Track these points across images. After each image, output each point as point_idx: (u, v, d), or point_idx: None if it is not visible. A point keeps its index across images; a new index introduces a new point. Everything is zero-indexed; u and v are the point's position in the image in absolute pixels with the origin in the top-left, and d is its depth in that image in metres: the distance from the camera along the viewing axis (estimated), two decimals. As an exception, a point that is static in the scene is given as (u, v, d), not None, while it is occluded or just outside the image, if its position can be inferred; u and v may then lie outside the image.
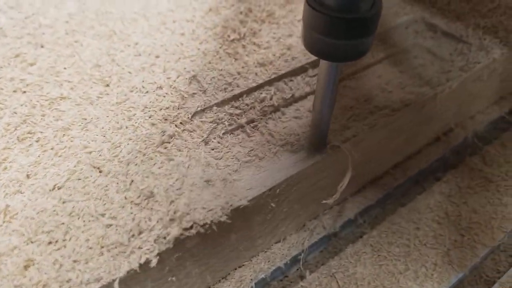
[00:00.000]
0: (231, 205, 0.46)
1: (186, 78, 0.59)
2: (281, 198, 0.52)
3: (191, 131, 0.55)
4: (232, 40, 0.67)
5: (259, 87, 0.61)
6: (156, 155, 0.48)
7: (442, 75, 0.66)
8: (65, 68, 0.62)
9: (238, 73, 0.61)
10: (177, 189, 0.45)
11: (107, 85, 0.58)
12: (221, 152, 0.55)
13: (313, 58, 0.65)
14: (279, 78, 0.63)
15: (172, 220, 0.43)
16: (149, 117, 0.53)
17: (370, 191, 0.66)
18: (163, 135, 0.50)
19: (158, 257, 0.41)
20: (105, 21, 0.71)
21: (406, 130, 0.63)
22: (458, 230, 0.62)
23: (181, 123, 0.55)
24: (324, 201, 0.54)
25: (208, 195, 0.46)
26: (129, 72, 0.60)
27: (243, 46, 0.66)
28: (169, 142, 0.50)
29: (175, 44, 0.66)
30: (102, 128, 0.52)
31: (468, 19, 0.72)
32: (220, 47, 0.65)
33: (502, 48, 0.68)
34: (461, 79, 0.63)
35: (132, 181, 0.45)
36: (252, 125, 0.59)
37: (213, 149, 0.55)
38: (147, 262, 0.40)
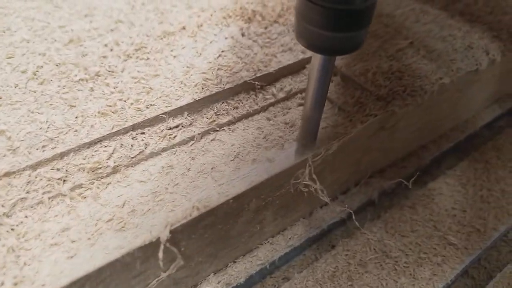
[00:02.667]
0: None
1: (-7, 136, 0.47)
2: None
3: (-15, 204, 0.43)
4: (78, 81, 0.55)
5: (94, 143, 0.49)
6: None
7: (333, 129, 0.55)
8: None
9: (68, 126, 0.49)
10: None
11: None
12: (23, 231, 0.43)
13: (174, 106, 0.54)
14: (125, 131, 0.51)
15: None
16: None
17: (237, 268, 0.54)
18: None
19: None
20: None
21: (280, 195, 0.52)
22: (335, 323, 0.50)
23: (-29, 194, 0.43)
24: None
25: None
26: None
27: (91, 89, 0.55)
28: None
29: (8, 86, 0.54)
30: None
31: (371, 60, 0.60)
32: (59, 90, 0.53)
33: (405, 98, 0.56)
34: (346, 139, 0.51)
35: None
36: (77, 192, 0.47)
37: (12, 228, 0.43)
38: None
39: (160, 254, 0.40)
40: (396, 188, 0.66)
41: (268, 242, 0.57)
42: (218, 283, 0.53)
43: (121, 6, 0.70)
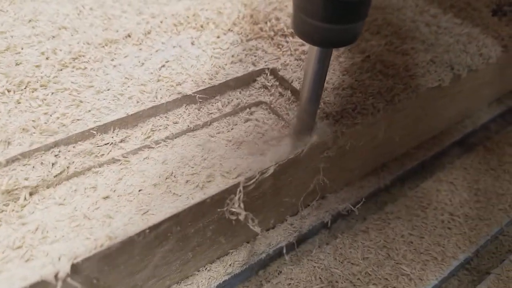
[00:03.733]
0: None
1: None
2: None
3: None
4: (4, 93, 0.51)
5: (12, 161, 0.46)
6: None
7: (278, 148, 0.51)
8: None
9: (-18, 143, 0.46)
10: None
11: None
12: None
13: (104, 121, 0.50)
14: (46, 148, 0.48)
15: None
16: None
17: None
18: None
19: None
20: None
21: (213, 221, 0.48)
22: None
23: None
24: None
25: None
26: None
27: (17, 102, 0.51)
28: None
29: None
30: None
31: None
32: (-19, 103, 0.50)
33: (355, 116, 0.52)
34: (284, 162, 0.47)
35: None
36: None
37: None
38: None
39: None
40: (351, 210, 0.61)
41: (205, 269, 0.53)
42: (146, 313, 0.49)
43: (68, 11, 0.66)
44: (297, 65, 0.59)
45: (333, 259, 0.56)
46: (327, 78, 0.56)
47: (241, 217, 0.44)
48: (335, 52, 0.61)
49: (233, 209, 0.45)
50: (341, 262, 0.55)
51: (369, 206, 0.63)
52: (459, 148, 0.73)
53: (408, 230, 0.59)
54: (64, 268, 0.38)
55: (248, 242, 0.56)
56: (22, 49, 0.59)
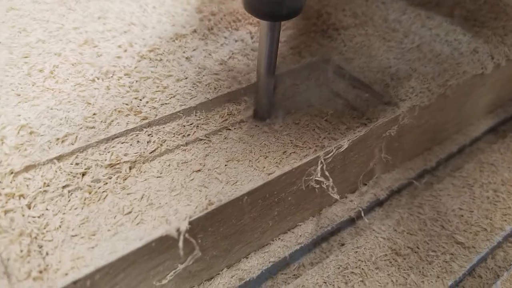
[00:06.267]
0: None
1: (15, 128, 0.48)
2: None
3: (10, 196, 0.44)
4: (94, 80, 0.56)
5: (112, 139, 0.51)
6: None
7: (344, 127, 0.56)
8: None
9: (86, 122, 0.51)
10: None
11: None
12: (44, 223, 0.44)
13: (188, 105, 0.56)
14: (141, 128, 0.53)
15: None
16: None
17: (249, 263, 0.55)
18: None
19: None
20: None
21: (291, 192, 0.53)
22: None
23: (-6, 185, 0.44)
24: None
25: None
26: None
27: (107, 88, 0.56)
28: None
29: (25, 84, 0.55)
30: None
31: (379, 62, 0.62)
32: (76, 88, 0.55)
33: (413, 99, 0.57)
34: (357, 138, 0.52)
35: None
36: (96, 186, 0.48)
37: (35, 217, 0.44)
38: None
39: (181, 244, 0.41)
40: (404, 188, 0.67)
41: (279, 239, 0.58)
42: (232, 277, 0.54)
43: (133, 9, 0.72)
44: (354, 54, 0.65)
45: (393, 230, 0.61)
46: (386, 66, 0.62)
47: (327, 184, 0.49)
48: (386, 43, 0.67)
49: (318, 178, 0.50)
50: (401, 233, 0.60)
51: (417, 186, 0.68)
52: (493, 135, 0.79)
53: (458, 205, 0.64)
54: (184, 224, 0.42)
55: (313, 216, 0.61)
56: (99, 42, 0.64)
